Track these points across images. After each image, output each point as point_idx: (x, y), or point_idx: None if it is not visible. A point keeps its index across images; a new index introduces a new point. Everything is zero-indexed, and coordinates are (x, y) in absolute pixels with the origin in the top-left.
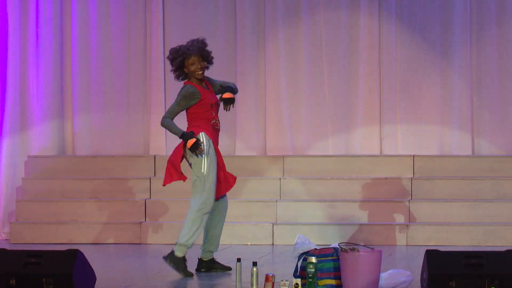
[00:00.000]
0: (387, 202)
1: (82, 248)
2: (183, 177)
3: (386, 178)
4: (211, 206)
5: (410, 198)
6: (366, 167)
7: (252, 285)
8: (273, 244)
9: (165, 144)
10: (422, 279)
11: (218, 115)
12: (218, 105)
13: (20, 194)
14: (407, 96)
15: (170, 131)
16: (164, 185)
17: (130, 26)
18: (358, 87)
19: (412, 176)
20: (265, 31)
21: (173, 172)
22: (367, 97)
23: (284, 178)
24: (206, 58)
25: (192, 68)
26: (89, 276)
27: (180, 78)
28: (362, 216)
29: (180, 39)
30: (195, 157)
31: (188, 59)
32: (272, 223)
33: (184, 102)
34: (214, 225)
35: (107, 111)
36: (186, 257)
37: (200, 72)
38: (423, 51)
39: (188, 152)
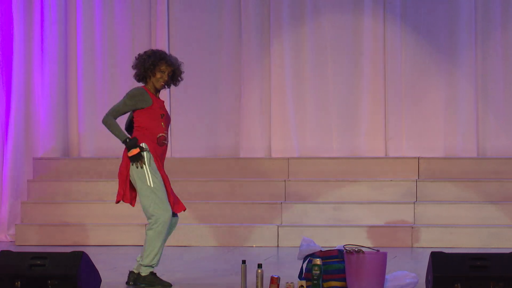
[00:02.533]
0: (392, 204)
1: (87, 250)
2: (130, 201)
3: (391, 180)
4: (168, 216)
5: (415, 200)
6: (371, 169)
7: (257, 287)
8: (278, 246)
9: (170, 145)
10: (427, 281)
11: (167, 133)
12: (169, 121)
13: (25, 196)
14: (412, 99)
15: (112, 132)
16: (116, 202)
17: (134, 28)
18: (363, 89)
19: (417, 178)
20: (270, 33)
21: (120, 190)
22: (372, 99)
23: (289, 180)
24: (175, 77)
25: (159, 75)
26: (94, 278)
27: (138, 78)
28: (367, 218)
29: (184, 42)
30: (137, 170)
31: (161, 65)
32: (277, 225)
33: (131, 102)
34: (164, 241)
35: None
36: (155, 271)
37: (162, 83)
38: (428, 54)
39: (132, 169)
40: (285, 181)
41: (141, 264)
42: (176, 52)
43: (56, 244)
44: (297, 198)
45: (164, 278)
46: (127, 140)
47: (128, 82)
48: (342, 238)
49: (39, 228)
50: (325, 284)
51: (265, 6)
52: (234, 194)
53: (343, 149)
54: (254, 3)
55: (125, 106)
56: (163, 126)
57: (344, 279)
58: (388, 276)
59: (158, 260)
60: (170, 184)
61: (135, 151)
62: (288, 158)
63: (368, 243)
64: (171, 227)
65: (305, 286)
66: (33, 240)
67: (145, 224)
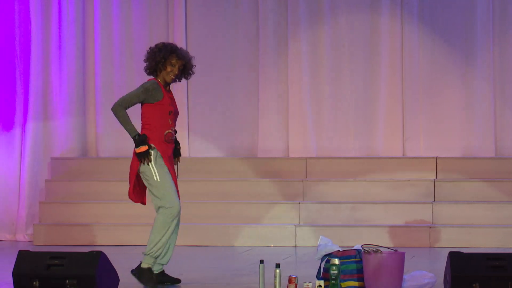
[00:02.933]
0: (410, 204)
1: (105, 250)
2: (135, 199)
3: (409, 180)
4: (176, 209)
5: (433, 200)
6: (388, 169)
7: (275, 286)
8: (296, 245)
9: (188, 145)
10: (445, 281)
11: (174, 125)
12: (177, 115)
13: (43, 196)
14: (430, 98)
15: (122, 124)
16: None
17: (152, 27)
18: (380, 89)
19: (435, 178)
20: (287, 33)
21: (130, 189)
22: (389, 99)
23: (307, 180)
24: (186, 70)
25: (169, 68)
26: (112, 277)
27: (149, 71)
28: (385, 218)
29: (202, 42)
30: (143, 166)
31: (172, 59)
32: (295, 224)
33: (144, 96)
34: (172, 239)
35: (130, 113)
36: (153, 269)
37: (172, 77)
38: (446, 54)
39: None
40: (302, 181)
41: (143, 253)
42: (193, 54)
43: (74, 244)
44: (315, 198)
45: (181, 276)
46: (137, 136)
47: (145, 80)
48: (360, 238)
49: (57, 228)
50: (343, 284)
51: (283, 6)
52: (251, 194)
53: (360, 149)
54: (271, 3)
55: (138, 98)
56: (170, 123)
57: (362, 279)
58: (406, 276)
59: (162, 254)
60: (176, 181)
61: (143, 148)
62: (306, 158)
63: (386, 243)
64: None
65: (323, 286)
66: (51, 240)
67: None
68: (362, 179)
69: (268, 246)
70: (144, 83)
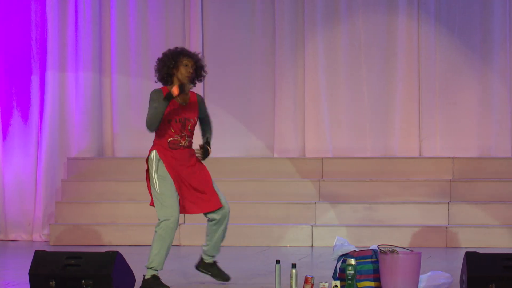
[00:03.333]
0: (426, 204)
1: (121, 250)
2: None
3: (425, 180)
4: (171, 222)
5: (450, 200)
6: (405, 169)
7: (291, 286)
8: (312, 246)
9: None
10: (461, 281)
11: (185, 132)
12: (184, 123)
13: (60, 196)
14: (446, 98)
15: (156, 117)
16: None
17: (168, 28)
18: (396, 89)
19: (451, 178)
20: (304, 32)
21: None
22: (406, 99)
23: (323, 180)
24: (198, 71)
25: (183, 69)
26: (129, 277)
27: (163, 80)
28: (401, 218)
29: (218, 41)
30: (150, 177)
31: (183, 59)
32: (311, 225)
33: (154, 104)
34: (213, 231)
35: (146, 113)
36: (158, 274)
37: (188, 76)
38: (462, 54)
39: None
40: (319, 181)
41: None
42: (210, 53)
43: (90, 244)
44: (331, 198)
45: (197, 277)
46: (166, 97)
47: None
48: (376, 238)
49: (73, 228)
50: (359, 284)
51: (299, 6)
52: (268, 194)
53: (377, 149)
54: (288, 3)
55: (154, 108)
56: (173, 131)
57: (378, 279)
58: (422, 276)
59: (160, 264)
60: (187, 187)
61: (175, 90)
62: (322, 158)
63: (402, 243)
64: (222, 218)
65: (339, 286)
66: (67, 240)
67: (179, 224)
68: (379, 179)
69: (284, 246)
70: (150, 94)
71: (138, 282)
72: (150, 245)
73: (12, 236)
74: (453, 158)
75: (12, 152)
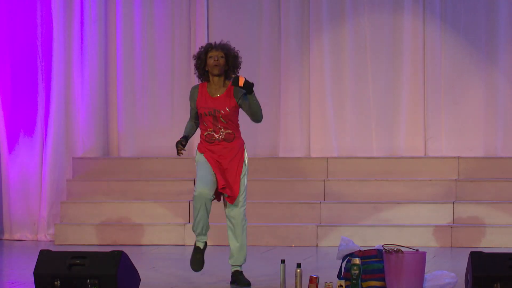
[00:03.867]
0: (432, 204)
1: (126, 250)
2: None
3: (430, 180)
4: (198, 193)
5: (455, 199)
6: (410, 169)
7: (296, 286)
8: (317, 245)
9: None
10: (466, 281)
11: (219, 125)
12: (214, 115)
13: (65, 196)
14: (452, 98)
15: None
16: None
17: (174, 27)
18: (402, 88)
19: (457, 177)
20: (309, 33)
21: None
22: (411, 98)
23: (328, 180)
24: (230, 59)
25: (210, 61)
26: (134, 277)
27: (201, 78)
28: (406, 217)
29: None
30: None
31: (209, 52)
32: (316, 224)
33: (191, 104)
34: (229, 238)
35: (152, 112)
36: (200, 244)
37: (216, 66)
38: (468, 53)
39: None
40: (324, 180)
41: None
42: None
43: (95, 243)
44: (336, 198)
45: (203, 277)
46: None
47: (167, 82)
48: (381, 238)
49: (79, 227)
50: (364, 284)
51: (305, 6)
52: (273, 194)
53: (382, 148)
54: (293, 3)
55: (191, 108)
56: (205, 125)
57: (383, 279)
58: (427, 275)
59: (197, 229)
60: (223, 170)
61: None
62: (327, 158)
63: (407, 243)
64: (231, 220)
65: (344, 286)
66: (73, 240)
67: (184, 224)
68: (384, 179)
69: (289, 246)
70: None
71: (143, 281)
72: (157, 245)
73: (17, 236)
74: (458, 157)
75: (17, 152)
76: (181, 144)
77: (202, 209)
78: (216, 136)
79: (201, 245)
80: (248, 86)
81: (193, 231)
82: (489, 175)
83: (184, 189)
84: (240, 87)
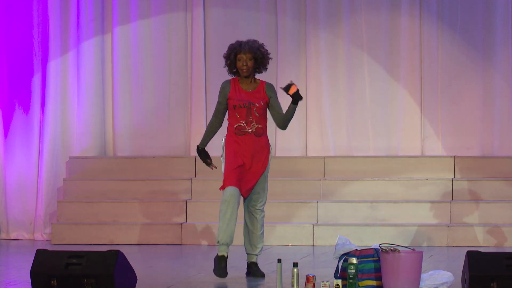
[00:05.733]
0: (428, 203)
1: (123, 249)
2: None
3: (427, 179)
4: (226, 193)
5: (451, 199)
6: (407, 168)
7: (292, 285)
8: (313, 245)
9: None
10: (463, 280)
11: (251, 118)
12: (249, 108)
13: (61, 195)
14: (449, 97)
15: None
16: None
17: (171, 27)
18: (399, 88)
19: (453, 177)
20: (306, 32)
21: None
22: (408, 98)
23: (325, 179)
24: (259, 60)
25: (239, 64)
26: (130, 277)
27: (232, 74)
28: (403, 217)
29: (221, 40)
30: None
31: (237, 54)
32: (313, 224)
33: (221, 98)
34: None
35: (148, 112)
36: (224, 252)
37: (244, 68)
38: (465, 52)
39: None
40: (321, 180)
41: None
42: (212, 51)
43: (92, 243)
44: (333, 197)
45: (200, 276)
46: (197, 148)
47: (164, 81)
48: (378, 237)
49: (75, 227)
50: (361, 283)
51: (302, 5)
52: (269, 193)
53: (379, 148)
54: (290, 2)
55: (218, 103)
56: (238, 116)
57: (380, 278)
58: (424, 275)
59: (222, 236)
60: (246, 170)
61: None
62: (324, 157)
63: (404, 242)
64: (244, 213)
65: (340, 285)
66: (69, 239)
67: (181, 223)
68: (381, 178)
69: (286, 245)
70: (220, 86)
71: (140, 281)
72: (153, 244)
73: (13, 235)
74: (455, 157)
75: (13, 151)
76: (208, 159)
77: (231, 211)
78: (247, 128)
79: (225, 254)
80: (297, 97)
81: (218, 240)
82: (486, 174)
83: (180, 188)
84: (289, 94)
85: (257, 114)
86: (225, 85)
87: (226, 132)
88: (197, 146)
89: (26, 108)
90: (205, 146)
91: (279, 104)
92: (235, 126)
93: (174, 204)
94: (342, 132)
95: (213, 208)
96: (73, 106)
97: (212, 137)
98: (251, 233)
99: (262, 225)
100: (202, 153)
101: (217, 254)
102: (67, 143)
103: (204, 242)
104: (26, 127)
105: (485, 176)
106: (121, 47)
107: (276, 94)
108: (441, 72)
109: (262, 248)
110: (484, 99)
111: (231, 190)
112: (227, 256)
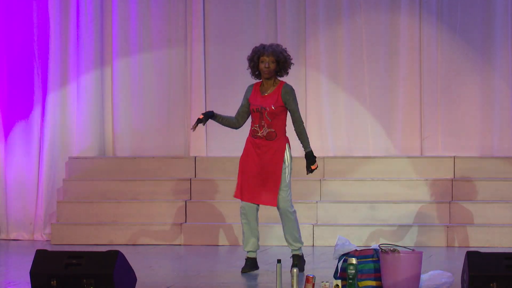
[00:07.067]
0: (428, 204)
1: (122, 249)
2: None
3: (426, 180)
4: (241, 206)
5: (451, 199)
6: (406, 168)
7: (292, 286)
8: (313, 245)
9: (205, 145)
10: (462, 281)
11: (263, 122)
12: (261, 112)
13: (61, 195)
14: (448, 97)
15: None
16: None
17: (170, 26)
18: (398, 88)
19: (453, 177)
20: (305, 32)
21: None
22: (407, 98)
23: (325, 180)
24: (281, 63)
25: (261, 66)
26: (130, 277)
27: (255, 77)
28: (403, 217)
29: (220, 39)
30: None
31: (260, 57)
32: (313, 224)
33: (244, 101)
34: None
35: (148, 112)
36: (251, 256)
37: (266, 71)
38: (464, 52)
39: None
40: (320, 180)
41: None
42: (211, 51)
43: (91, 243)
44: (332, 197)
45: (199, 276)
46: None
47: (163, 81)
48: (377, 238)
49: (75, 227)
50: (360, 284)
51: (301, 5)
52: None
53: (378, 148)
54: (290, 2)
55: (243, 105)
56: (253, 120)
57: (379, 279)
58: (423, 275)
59: (246, 247)
60: (255, 175)
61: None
62: (323, 157)
63: (404, 243)
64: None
65: (340, 286)
66: (69, 239)
67: (180, 224)
68: (380, 179)
69: (285, 246)
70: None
71: (139, 281)
72: (153, 245)
73: (13, 236)
74: (454, 157)
75: (14, 152)
76: (205, 117)
77: (251, 225)
78: (260, 132)
79: (251, 256)
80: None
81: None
82: (485, 174)
83: (180, 188)
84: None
85: (268, 119)
86: (248, 89)
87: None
88: (212, 111)
89: (26, 109)
90: (215, 116)
91: (294, 108)
92: (251, 128)
93: (174, 205)
94: (342, 132)
95: (213, 208)
96: (73, 106)
97: (225, 124)
98: (288, 231)
99: (294, 223)
100: (208, 114)
101: (247, 256)
102: (66, 144)
103: (204, 243)
104: (26, 127)
105: (485, 177)
106: (121, 47)
107: (294, 96)
108: (440, 72)
109: (299, 247)
110: (483, 99)
111: (243, 204)
112: (255, 257)
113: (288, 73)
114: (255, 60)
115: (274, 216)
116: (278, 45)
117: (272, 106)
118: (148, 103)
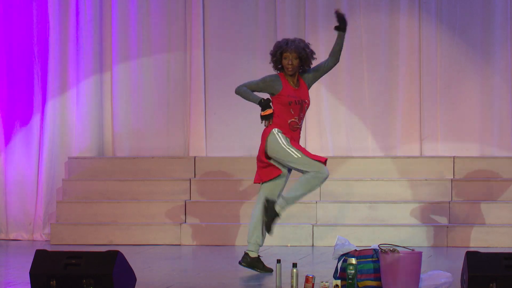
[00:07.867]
0: (427, 204)
1: (122, 249)
2: (275, 172)
3: (426, 180)
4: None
5: (450, 199)
6: (406, 168)
7: (292, 286)
8: (313, 245)
9: (205, 145)
10: (462, 281)
11: (302, 114)
12: (302, 104)
13: (60, 195)
14: (448, 97)
15: (245, 97)
16: (254, 182)
17: (170, 26)
18: (398, 88)
19: (453, 177)
20: (305, 33)
21: (260, 172)
22: (407, 98)
23: None
24: (304, 60)
25: (284, 62)
26: (129, 277)
27: (277, 69)
28: (402, 217)
29: (220, 39)
30: (276, 149)
31: (284, 53)
32: (312, 224)
33: (261, 85)
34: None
35: (147, 112)
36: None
37: (290, 67)
38: (464, 53)
39: (269, 147)
40: None
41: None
42: (210, 51)
43: (91, 243)
44: (332, 198)
45: (199, 276)
46: (262, 100)
47: (163, 81)
48: (377, 238)
49: (74, 227)
50: (360, 284)
51: (300, 6)
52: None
53: (378, 148)
54: (289, 3)
55: (256, 86)
56: (292, 112)
57: (379, 279)
58: (423, 275)
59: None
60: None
61: (269, 110)
62: None
63: (403, 243)
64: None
65: (340, 286)
66: (68, 239)
67: (180, 224)
68: (380, 179)
69: (285, 246)
70: (267, 75)
71: (139, 281)
72: (152, 245)
73: (13, 236)
74: (454, 157)
75: (13, 152)
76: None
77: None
78: (299, 124)
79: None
80: (344, 24)
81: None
82: (485, 175)
83: (180, 188)
84: (339, 26)
85: (305, 111)
86: (274, 78)
87: (275, 124)
88: (261, 99)
89: (26, 109)
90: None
91: (320, 65)
92: (289, 121)
93: (173, 205)
94: (341, 133)
95: (212, 209)
96: (72, 107)
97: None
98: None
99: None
100: (268, 101)
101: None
102: (66, 144)
103: (202, 242)
104: (26, 128)
105: (484, 177)
106: (120, 47)
107: (310, 69)
108: (440, 73)
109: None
110: (483, 99)
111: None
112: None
113: (310, 67)
114: (277, 56)
115: None
116: (301, 41)
117: (309, 99)
118: (148, 104)
